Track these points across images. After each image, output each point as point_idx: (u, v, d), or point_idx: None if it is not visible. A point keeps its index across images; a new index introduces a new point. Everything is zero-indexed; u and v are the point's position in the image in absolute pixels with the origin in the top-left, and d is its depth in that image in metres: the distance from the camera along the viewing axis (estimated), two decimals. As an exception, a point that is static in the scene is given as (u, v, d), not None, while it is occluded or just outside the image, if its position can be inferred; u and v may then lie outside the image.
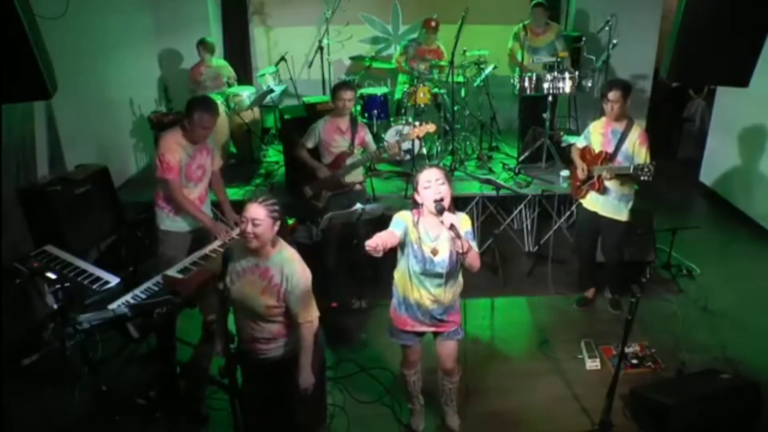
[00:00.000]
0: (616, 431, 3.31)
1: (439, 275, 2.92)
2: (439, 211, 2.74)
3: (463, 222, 2.88)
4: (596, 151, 4.20)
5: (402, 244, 2.94)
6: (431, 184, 2.79)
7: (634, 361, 3.93)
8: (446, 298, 2.99)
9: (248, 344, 2.81)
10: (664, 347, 4.05)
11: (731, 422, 3.32)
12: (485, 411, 3.58)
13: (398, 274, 3.07)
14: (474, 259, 2.82)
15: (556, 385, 3.81)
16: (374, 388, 3.78)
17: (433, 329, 3.12)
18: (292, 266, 2.68)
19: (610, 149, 4.11)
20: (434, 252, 2.88)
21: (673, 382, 3.69)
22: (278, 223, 2.65)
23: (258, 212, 2.57)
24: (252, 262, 2.69)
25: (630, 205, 4.22)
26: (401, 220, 2.93)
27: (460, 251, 2.69)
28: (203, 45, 6.14)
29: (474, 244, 2.87)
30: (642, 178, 3.84)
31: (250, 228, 2.57)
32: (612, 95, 3.99)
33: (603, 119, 4.21)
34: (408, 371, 3.33)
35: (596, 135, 4.22)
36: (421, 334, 3.16)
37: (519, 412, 3.59)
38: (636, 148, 4.03)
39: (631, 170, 3.88)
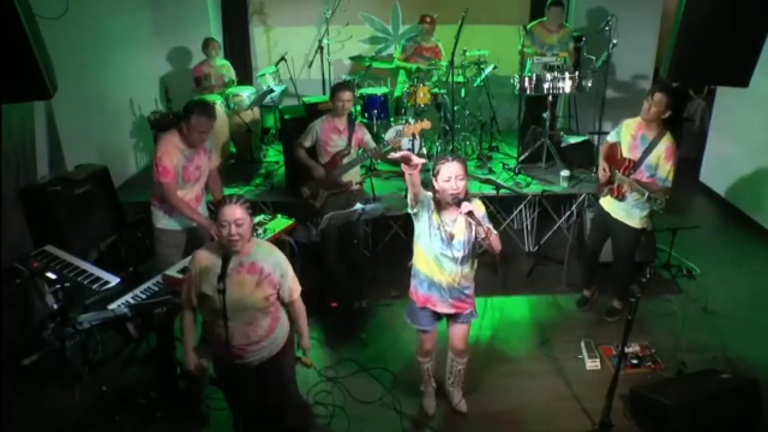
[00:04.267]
0: (616, 431, 3.31)
1: (455, 258, 3.01)
2: (457, 204, 2.84)
3: (478, 207, 2.98)
4: (624, 152, 4.04)
5: (420, 219, 3.06)
6: (451, 179, 2.87)
7: (634, 361, 3.93)
8: (465, 275, 3.10)
9: (236, 351, 2.73)
10: (664, 347, 4.05)
11: (731, 422, 3.31)
12: (485, 411, 3.58)
13: (418, 257, 3.15)
14: (495, 241, 2.89)
15: (556, 385, 3.81)
16: (374, 388, 3.78)
17: (453, 310, 3.18)
18: (275, 254, 2.78)
19: (636, 156, 3.95)
20: (451, 236, 2.97)
21: (673, 382, 3.69)
22: (252, 217, 2.70)
23: (238, 212, 2.57)
24: (235, 263, 2.65)
25: (645, 212, 4.04)
26: (429, 198, 3.05)
27: (482, 236, 2.79)
28: (211, 43, 6.12)
29: (491, 227, 2.94)
30: (653, 207, 3.76)
31: (234, 230, 2.56)
32: (657, 97, 3.87)
33: (638, 119, 4.03)
34: (423, 359, 3.43)
35: (627, 134, 4.05)
36: (439, 317, 3.25)
37: (519, 412, 3.59)
38: (661, 162, 3.85)
39: (645, 197, 3.71)
